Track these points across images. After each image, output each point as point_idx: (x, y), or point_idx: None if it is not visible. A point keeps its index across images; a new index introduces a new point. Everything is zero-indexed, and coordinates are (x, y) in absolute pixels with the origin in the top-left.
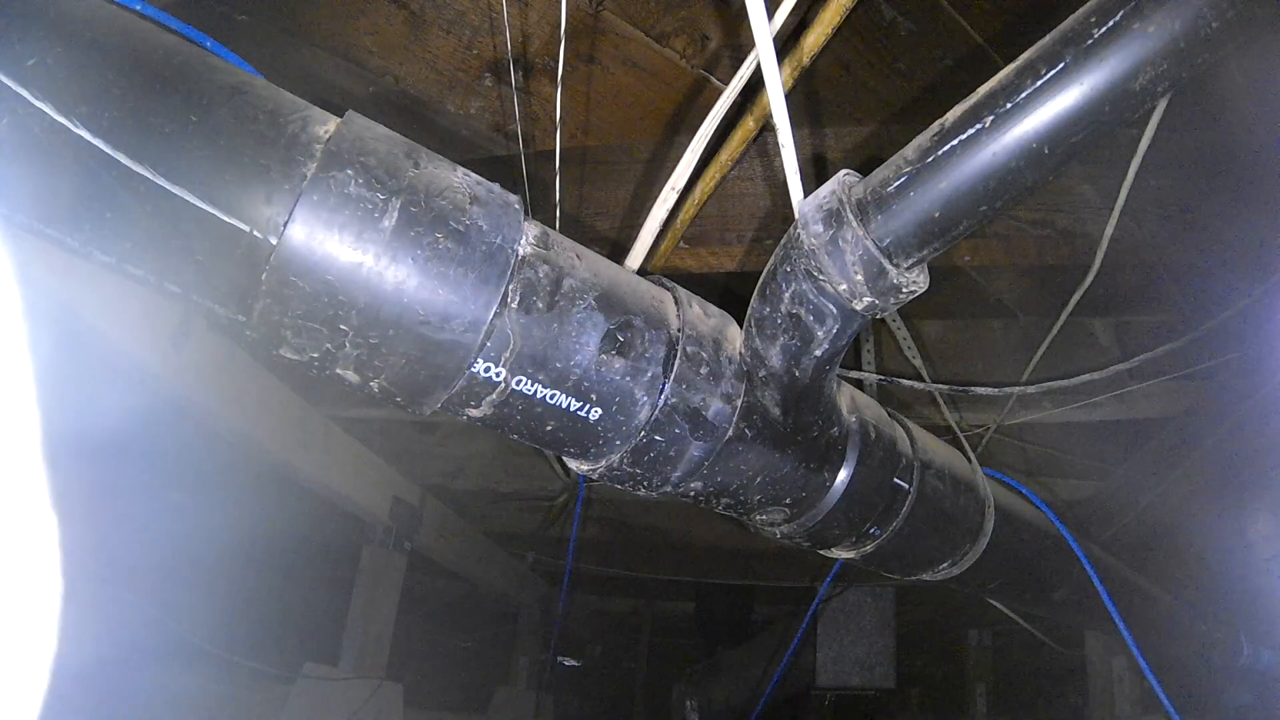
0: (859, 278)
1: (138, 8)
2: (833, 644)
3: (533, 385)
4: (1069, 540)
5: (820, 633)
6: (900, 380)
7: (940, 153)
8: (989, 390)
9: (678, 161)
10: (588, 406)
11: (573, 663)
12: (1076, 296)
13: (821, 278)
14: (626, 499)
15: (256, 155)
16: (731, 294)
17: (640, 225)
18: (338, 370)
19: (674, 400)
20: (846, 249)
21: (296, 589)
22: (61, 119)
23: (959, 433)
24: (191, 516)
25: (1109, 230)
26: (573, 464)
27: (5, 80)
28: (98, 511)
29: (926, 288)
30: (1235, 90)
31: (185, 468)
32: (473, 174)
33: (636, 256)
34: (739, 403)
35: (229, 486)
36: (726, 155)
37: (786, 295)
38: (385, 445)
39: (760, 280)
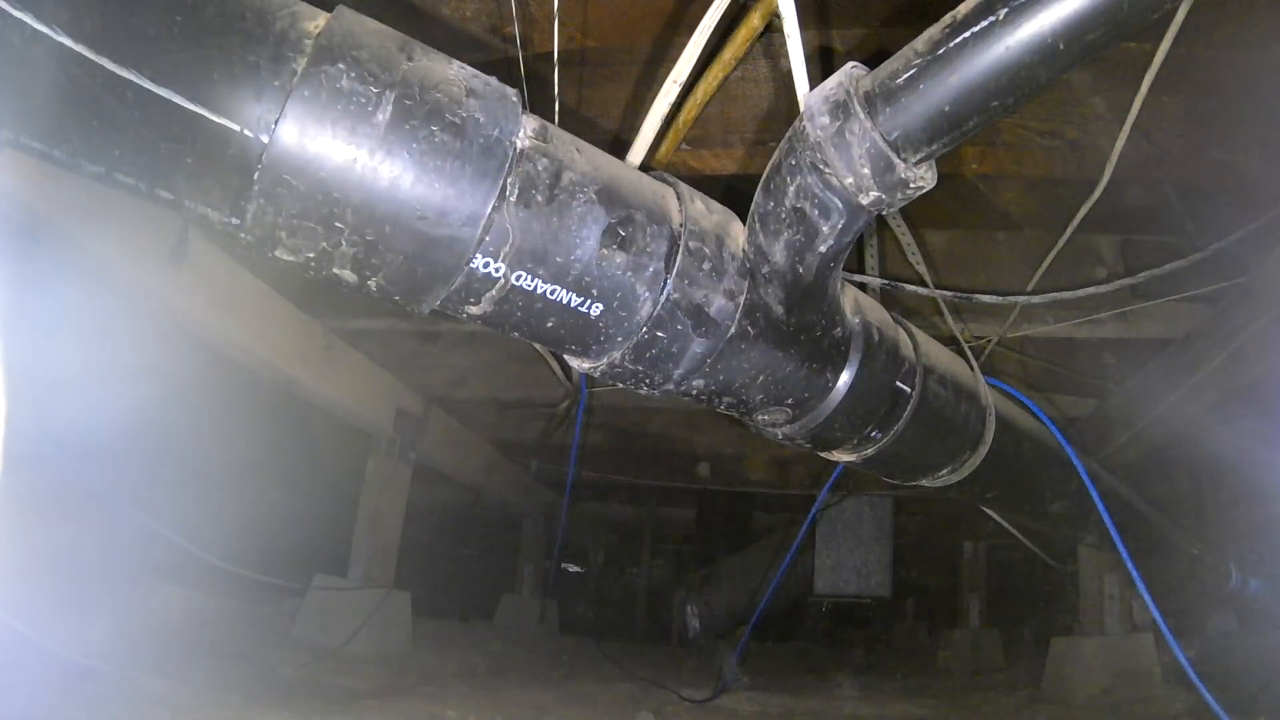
0: (865, 171)
1: None
2: (830, 552)
3: (532, 280)
4: (1069, 453)
5: (819, 541)
6: (904, 285)
7: (951, 45)
8: (993, 298)
9: (679, 60)
10: (588, 302)
11: (576, 569)
12: (1083, 210)
13: (827, 171)
14: (629, 405)
15: (245, 53)
16: (733, 196)
17: (641, 123)
18: (335, 270)
19: (676, 296)
20: (853, 142)
21: (304, 503)
22: (43, 28)
23: (961, 341)
24: (196, 434)
25: (1119, 145)
26: (575, 362)
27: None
28: (100, 431)
29: (934, 184)
30: (1257, 9)
31: (188, 385)
32: (469, 68)
33: (638, 153)
34: (742, 300)
35: (233, 402)
36: (730, 54)
37: (791, 189)
38: (388, 357)
39: (764, 175)
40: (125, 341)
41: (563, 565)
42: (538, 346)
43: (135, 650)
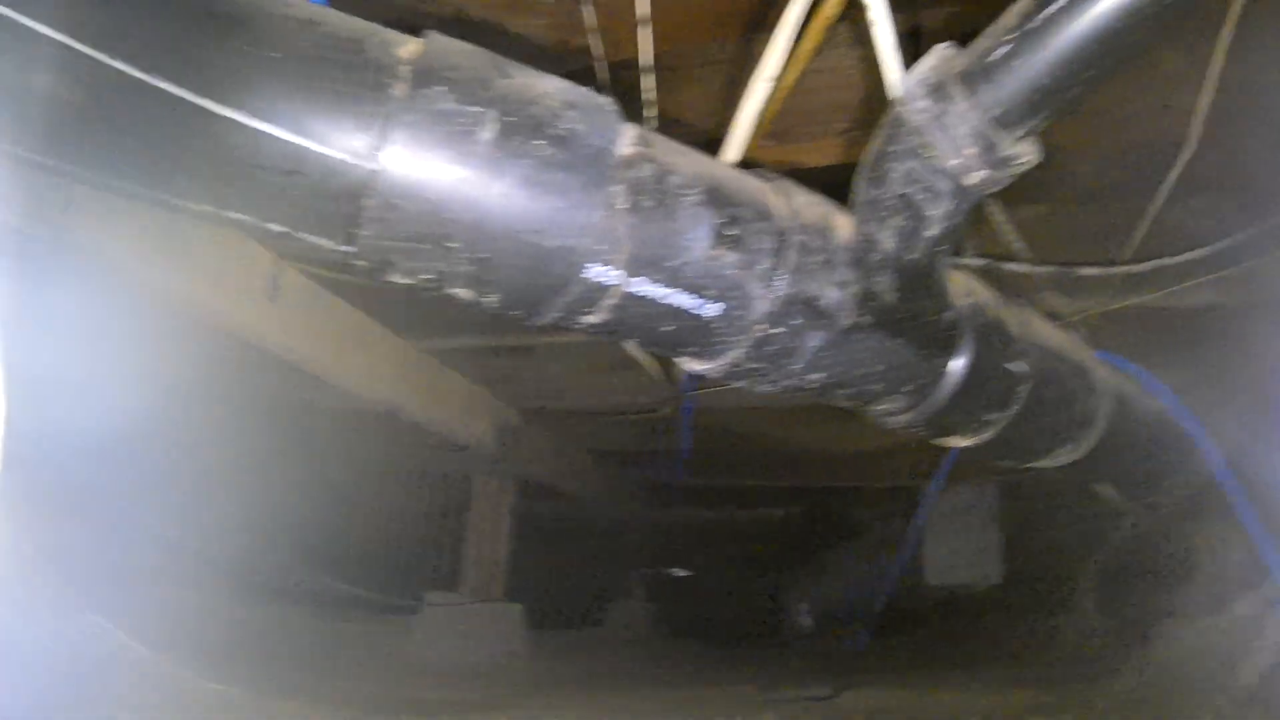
0: (970, 152)
1: None
2: (940, 541)
3: (647, 286)
4: (1190, 424)
5: (927, 531)
6: (1004, 264)
7: (1042, 16)
8: (1096, 270)
9: (757, 58)
10: (703, 303)
11: (683, 573)
12: (1174, 173)
13: (931, 155)
14: (720, 407)
15: (344, 83)
16: (825, 188)
17: (729, 123)
18: (451, 290)
19: (790, 291)
20: (955, 123)
21: (413, 522)
22: (143, 76)
23: (1067, 317)
24: (304, 461)
25: (1203, 104)
26: (692, 365)
27: (85, 49)
28: (206, 459)
29: (1040, 159)
30: None
31: (291, 414)
32: (562, 80)
33: (733, 151)
34: (853, 290)
35: (336, 427)
36: (809, 44)
37: (895, 176)
38: (484, 374)
39: (864, 163)
40: (230, 377)
41: (669, 570)
42: (633, 352)
43: (251, 671)
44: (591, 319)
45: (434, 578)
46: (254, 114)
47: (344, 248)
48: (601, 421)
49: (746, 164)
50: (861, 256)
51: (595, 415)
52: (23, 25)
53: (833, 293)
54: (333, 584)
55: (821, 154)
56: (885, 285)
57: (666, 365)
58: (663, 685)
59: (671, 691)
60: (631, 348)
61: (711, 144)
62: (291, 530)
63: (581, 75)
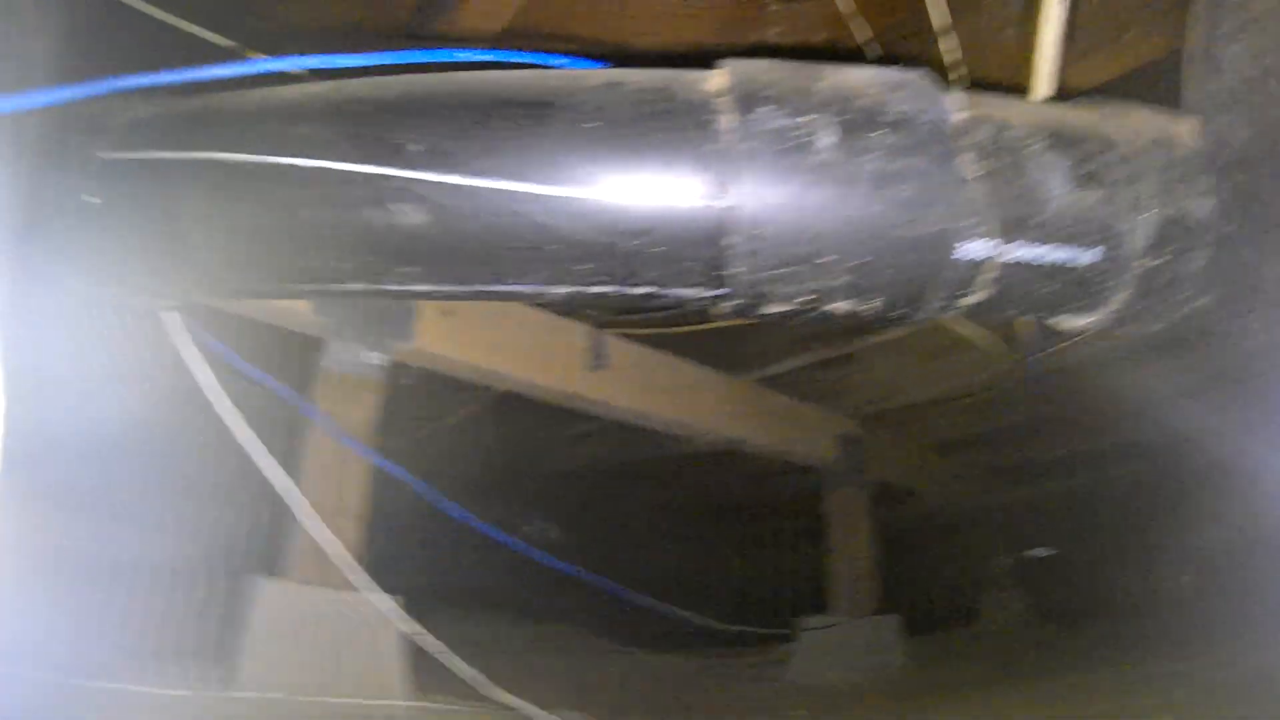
0: None
1: (465, 58)
2: None
3: (1021, 249)
4: None
5: None
6: None
7: None
8: None
9: None
10: (1079, 252)
11: (1046, 552)
12: None
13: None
14: (1053, 376)
15: (669, 132)
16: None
17: (1033, 58)
18: (830, 305)
19: (1159, 215)
20: None
21: (773, 550)
22: (476, 181)
23: None
24: (653, 508)
25: None
26: (1073, 322)
27: (416, 174)
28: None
29: None
30: None
31: (626, 464)
32: (867, 66)
33: (1042, 87)
34: (1218, 199)
35: (675, 469)
36: None
37: (1239, 60)
38: (814, 390)
39: (1192, 53)
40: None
41: (1030, 551)
42: (964, 330)
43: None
44: (971, 299)
45: (803, 603)
46: (586, 186)
47: (714, 293)
48: (939, 410)
49: (1062, 96)
50: (1214, 158)
51: (932, 405)
52: (357, 172)
53: (1199, 205)
54: (705, 623)
55: (1121, 64)
56: (1246, 185)
57: (1007, 334)
58: (1044, 674)
59: (1052, 682)
60: (963, 325)
61: (1018, 88)
62: (647, 573)
63: (854, 57)
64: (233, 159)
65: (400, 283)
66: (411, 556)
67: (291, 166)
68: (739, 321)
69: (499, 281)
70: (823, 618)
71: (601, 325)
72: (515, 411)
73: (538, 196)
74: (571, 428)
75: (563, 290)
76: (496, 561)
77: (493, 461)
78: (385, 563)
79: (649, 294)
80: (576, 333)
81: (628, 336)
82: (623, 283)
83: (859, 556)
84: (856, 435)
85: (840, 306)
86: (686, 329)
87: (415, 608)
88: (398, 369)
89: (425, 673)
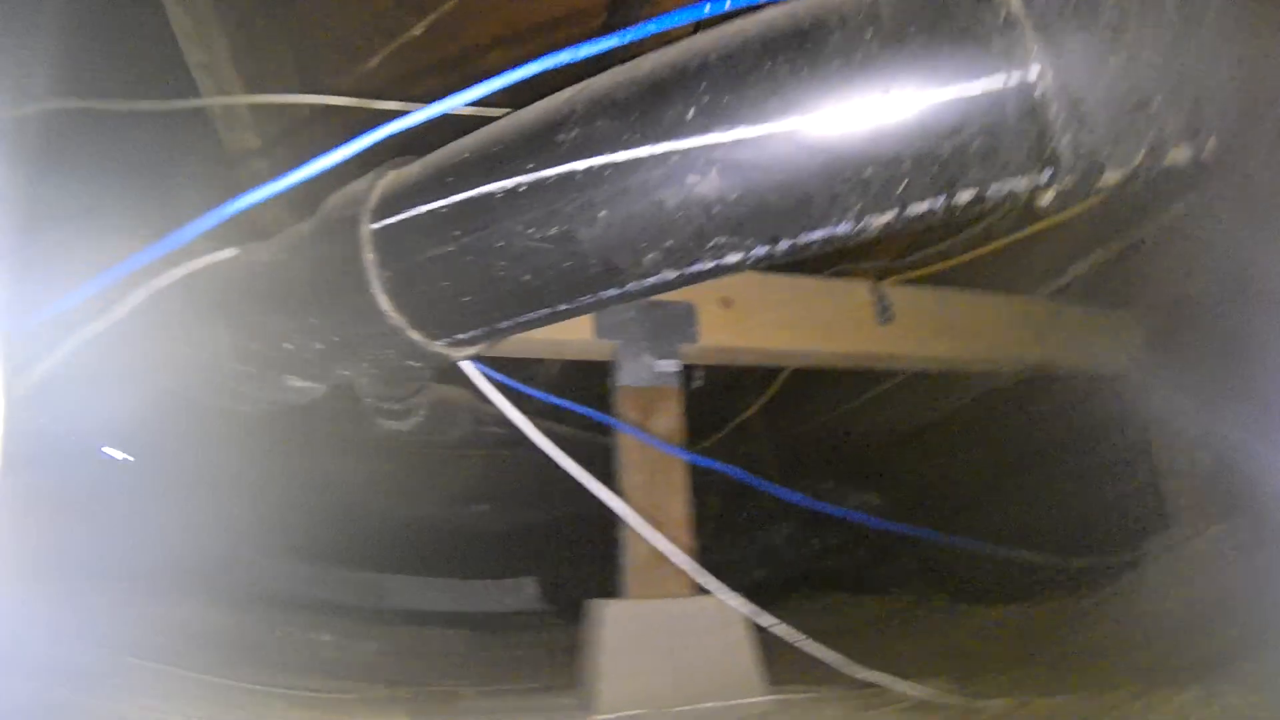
0: None
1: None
2: None
3: None
4: None
5: None
6: None
7: None
8: None
9: None
10: None
11: None
12: None
13: None
14: None
15: (952, 18)
16: None
17: None
18: (1170, 157)
19: None
20: None
21: (1095, 476)
22: (759, 129)
23: None
24: (965, 460)
25: None
26: None
27: (705, 139)
28: None
29: None
30: None
31: (931, 418)
32: None
33: None
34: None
35: (982, 413)
36: None
37: None
38: (1101, 298)
39: None
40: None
41: None
42: None
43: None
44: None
45: (1142, 529)
46: (880, 100)
47: (1044, 175)
48: None
49: None
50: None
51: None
52: (644, 157)
53: None
54: (1048, 561)
55: None
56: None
57: None
58: None
59: None
60: None
61: None
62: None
63: None
64: (514, 183)
65: (713, 258)
66: (740, 549)
67: (572, 172)
68: (1016, 237)
69: (814, 227)
70: (1166, 537)
71: (880, 276)
72: (811, 388)
73: (832, 126)
74: (869, 390)
75: (883, 219)
76: (814, 542)
77: (798, 441)
78: (714, 562)
79: (973, 198)
80: (856, 291)
81: (908, 282)
82: (944, 192)
83: (1182, 470)
84: (1146, 343)
85: (1179, 154)
86: (968, 256)
87: (756, 600)
88: (690, 371)
89: (772, 665)
